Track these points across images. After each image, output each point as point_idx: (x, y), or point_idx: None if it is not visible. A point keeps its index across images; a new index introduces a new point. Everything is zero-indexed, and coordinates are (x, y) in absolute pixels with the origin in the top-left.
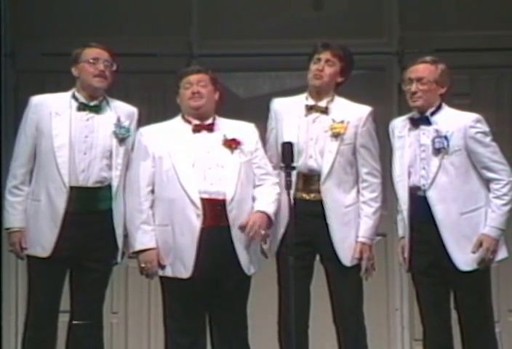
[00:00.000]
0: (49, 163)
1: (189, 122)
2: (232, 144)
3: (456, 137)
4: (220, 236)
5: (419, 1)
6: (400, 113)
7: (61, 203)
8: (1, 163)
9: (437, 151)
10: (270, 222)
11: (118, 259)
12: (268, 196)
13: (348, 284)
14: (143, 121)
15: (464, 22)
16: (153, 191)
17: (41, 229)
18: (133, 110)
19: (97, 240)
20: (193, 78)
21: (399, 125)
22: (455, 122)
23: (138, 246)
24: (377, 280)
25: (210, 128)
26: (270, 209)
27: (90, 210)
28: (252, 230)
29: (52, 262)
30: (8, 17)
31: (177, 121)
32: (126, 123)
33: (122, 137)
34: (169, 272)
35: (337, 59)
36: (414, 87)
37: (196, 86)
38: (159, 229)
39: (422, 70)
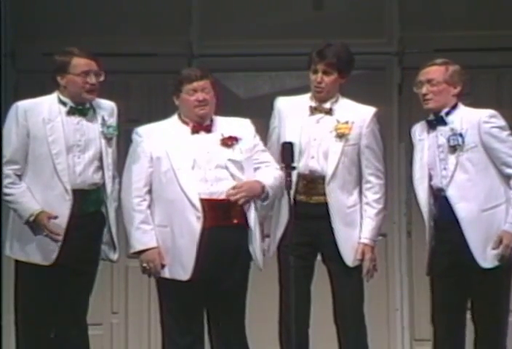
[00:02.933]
0: (47, 171)
1: (187, 123)
2: (229, 141)
3: (471, 134)
4: (220, 236)
5: (419, 1)
6: (400, 113)
7: (64, 210)
8: (0, 163)
9: (452, 149)
10: (263, 192)
11: (115, 257)
12: (266, 172)
13: (349, 284)
14: (144, 120)
15: (464, 22)
16: (149, 191)
17: (42, 238)
18: (112, 105)
19: (91, 242)
20: (198, 85)
21: (419, 128)
22: (470, 119)
23: (139, 246)
24: (377, 280)
25: (208, 129)
26: (266, 181)
27: (86, 212)
28: (236, 194)
29: (53, 270)
30: (8, 17)
31: (174, 121)
32: (110, 122)
33: (110, 136)
34: (166, 273)
35: (332, 68)
36: (424, 89)
37: (201, 93)
38: (157, 230)
39: (432, 72)
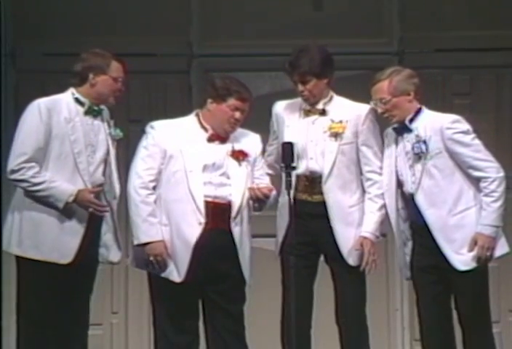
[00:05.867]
0: (68, 169)
1: (205, 129)
2: (239, 156)
3: (435, 140)
4: (219, 239)
5: (419, 1)
6: None
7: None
8: (0, 163)
9: (417, 156)
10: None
11: (117, 258)
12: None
13: (351, 283)
14: (143, 120)
15: (464, 22)
16: (155, 187)
17: (60, 236)
18: (106, 109)
19: (97, 242)
20: (243, 105)
21: (389, 134)
22: (433, 125)
23: (145, 238)
24: (377, 280)
25: (224, 140)
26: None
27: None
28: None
29: (65, 269)
30: (8, 17)
31: (192, 121)
32: (112, 124)
33: (119, 138)
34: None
35: (307, 75)
36: (379, 109)
37: (241, 114)
38: None
39: (379, 91)
